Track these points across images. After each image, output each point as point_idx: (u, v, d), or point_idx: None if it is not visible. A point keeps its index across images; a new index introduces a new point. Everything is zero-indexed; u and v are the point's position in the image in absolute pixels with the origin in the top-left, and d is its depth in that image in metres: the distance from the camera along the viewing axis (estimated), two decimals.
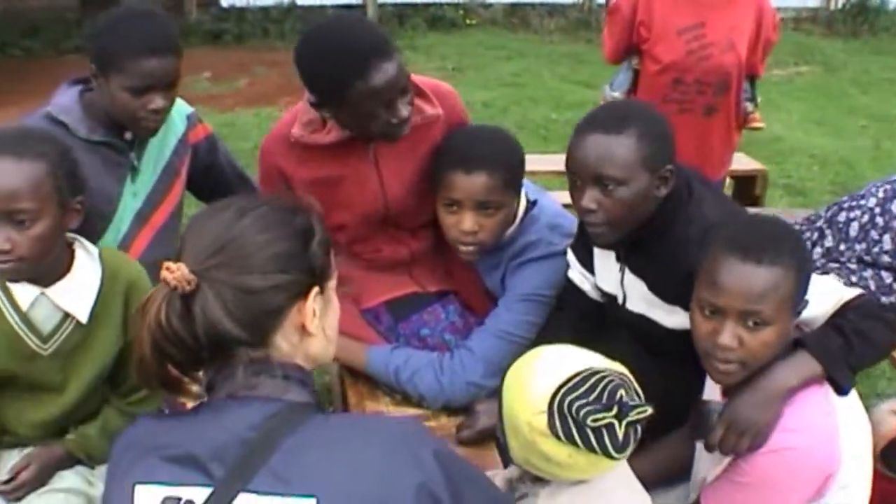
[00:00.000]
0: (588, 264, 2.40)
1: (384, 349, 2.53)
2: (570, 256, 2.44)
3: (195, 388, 1.45)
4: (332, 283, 1.53)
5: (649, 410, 1.67)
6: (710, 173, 3.73)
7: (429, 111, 2.48)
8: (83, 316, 2.10)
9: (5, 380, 2.12)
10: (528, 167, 2.52)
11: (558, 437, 1.66)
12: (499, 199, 2.42)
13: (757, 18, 3.74)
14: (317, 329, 1.47)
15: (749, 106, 3.93)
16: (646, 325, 2.27)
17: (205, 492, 1.32)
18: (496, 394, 1.85)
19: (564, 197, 2.30)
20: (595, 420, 1.63)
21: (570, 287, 2.47)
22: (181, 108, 2.73)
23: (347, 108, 2.28)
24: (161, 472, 1.36)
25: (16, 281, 2.05)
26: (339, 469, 1.31)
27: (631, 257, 2.24)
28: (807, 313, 1.96)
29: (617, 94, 3.93)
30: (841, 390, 1.93)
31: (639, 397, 1.70)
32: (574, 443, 1.66)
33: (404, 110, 2.31)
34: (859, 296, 2.03)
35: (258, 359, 1.41)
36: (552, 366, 1.73)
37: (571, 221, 2.51)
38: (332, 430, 1.37)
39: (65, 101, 2.46)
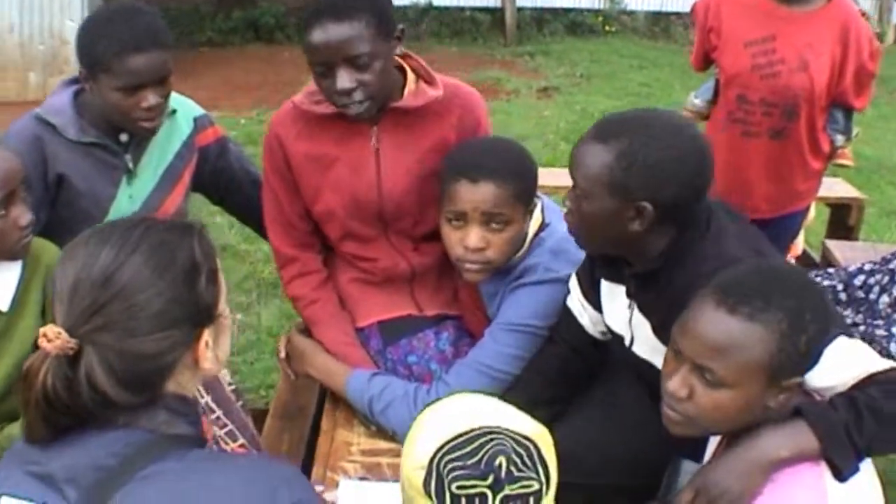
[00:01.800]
0: (593, 298, 2.17)
1: (364, 376, 2.37)
2: (574, 283, 2.22)
3: None
4: (221, 306, 1.44)
5: (535, 486, 1.45)
6: (785, 202, 3.44)
7: (430, 92, 2.36)
8: (3, 304, 2.08)
9: None
10: None
11: (430, 498, 1.47)
12: (508, 213, 2.23)
13: (842, 38, 3.20)
14: (211, 360, 1.42)
15: (839, 139, 3.43)
16: (648, 372, 2.03)
17: None
18: None
19: None
20: (461, 487, 1.44)
21: (565, 317, 2.26)
22: (188, 111, 2.66)
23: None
24: (24, 487, 1.34)
25: None
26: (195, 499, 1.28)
27: (640, 294, 2.01)
28: (823, 381, 1.70)
29: (698, 102, 3.61)
30: (839, 474, 1.63)
31: (537, 468, 1.48)
32: None
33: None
34: (892, 369, 1.73)
35: (144, 403, 1.37)
36: (447, 419, 1.53)
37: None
38: (195, 463, 1.33)
39: (57, 101, 2.42)
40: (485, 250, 2.25)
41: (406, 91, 2.36)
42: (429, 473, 1.48)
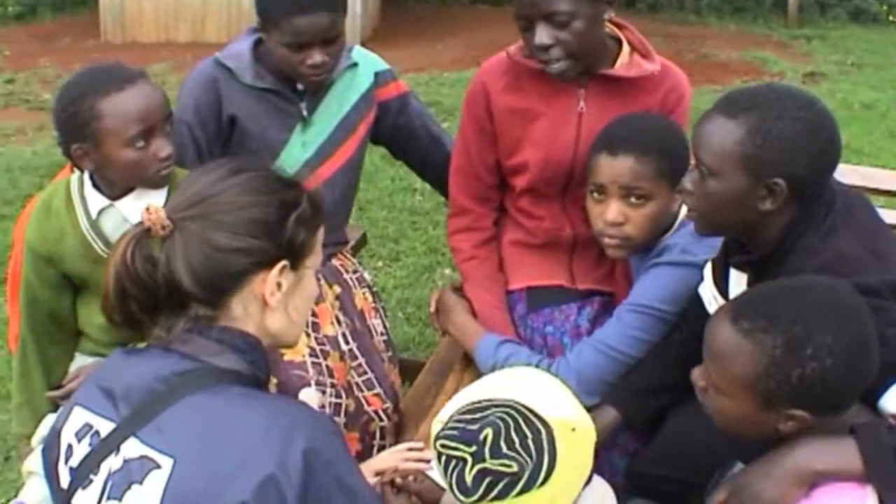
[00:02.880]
0: (723, 288, 2.06)
1: (494, 341, 2.36)
2: (708, 270, 2.11)
3: (157, 330, 1.47)
4: (309, 263, 1.51)
5: (514, 468, 1.40)
6: None
7: (646, 65, 2.37)
8: None
9: (79, 282, 2.26)
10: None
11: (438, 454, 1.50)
12: (647, 188, 2.17)
13: None
14: (278, 304, 1.47)
15: None
16: None
17: (110, 426, 1.39)
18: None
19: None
20: (444, 446, 1.42)
21: (695, 305, 2.15)
22: (371, 64, 2.72)
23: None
24: (91, 399, 1.44)
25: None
26: (209, 437, 1.32)
27: (758, 282, 1.88)
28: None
29: None
30: (883, 502, 1.50)
31: (533, 453, 1.43)
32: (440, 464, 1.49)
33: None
34: None
35: (204, 316, 1.44)
36: (487, 385, 1.52)
37: None
38: (228, 398, 1.37)
39: (237, 47, 2.55)
40: (623, 225, 2.20)
41: (619, 61, 2.36)
42: (442, 428, 1.48)
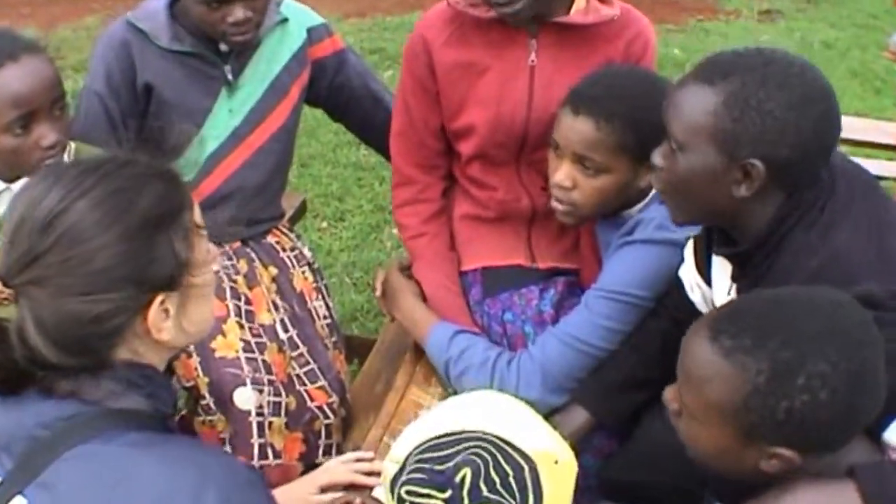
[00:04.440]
0: (705, 271, 1.84)
1: (447, 331, 2.13)
2: (689, 251, 1.88)
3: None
4: (198, 269, 1.26)
5: None
6: None
7: (605, 10, 2.12)
8: None
9: None
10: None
11: (392, 496, 1.26)
12: (601, 161, 1.93)
13: None
14: (169, 333, 1.24)
15: None
16: None
17: None
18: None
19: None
20: (410, 492, 1.20)
21: (675, 289, 1.93)
22: (304, 19, 2.45)
23: None
24: None
25: None
26: (103, 496, 1.13)
27: (742, 278, 1.67)
28: None
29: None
30: None
31: (517, 493, 1.20)
32: None
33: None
34: None
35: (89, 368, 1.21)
36: (446, 415, 1.29)
37: None
38: (125, 448, 1.17)
39: (151, 6, 2.28)
40: (570, 190, 1.98)
41: (574, 6, 2.11)
42: (400, 470, 1.26)
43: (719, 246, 1.67)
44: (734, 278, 1.68)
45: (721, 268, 1.74)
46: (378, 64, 5.82)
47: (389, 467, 1.29)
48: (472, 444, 1.23)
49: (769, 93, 1.46)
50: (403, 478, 1.23)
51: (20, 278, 1.15)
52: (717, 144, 1.50)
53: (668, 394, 1.43)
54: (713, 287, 1.80)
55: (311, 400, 2.24)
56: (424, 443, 1.26)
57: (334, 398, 2.26)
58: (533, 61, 2.13)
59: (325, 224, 4.29)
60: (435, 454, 1.23)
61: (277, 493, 1.74)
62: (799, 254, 1.51)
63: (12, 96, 1.79)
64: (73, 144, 2.01)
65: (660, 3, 7.64)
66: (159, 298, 1.20)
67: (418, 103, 2.24)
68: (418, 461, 1.23)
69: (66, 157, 1.96)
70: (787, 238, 1.53)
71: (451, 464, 1.20)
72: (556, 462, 1.25)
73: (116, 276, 1.16)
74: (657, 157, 1.62)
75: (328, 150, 4.80)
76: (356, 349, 2.97)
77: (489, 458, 1.21)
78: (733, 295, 1.69)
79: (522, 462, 1.22)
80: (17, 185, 1.92)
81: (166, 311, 1.22)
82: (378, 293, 2.38)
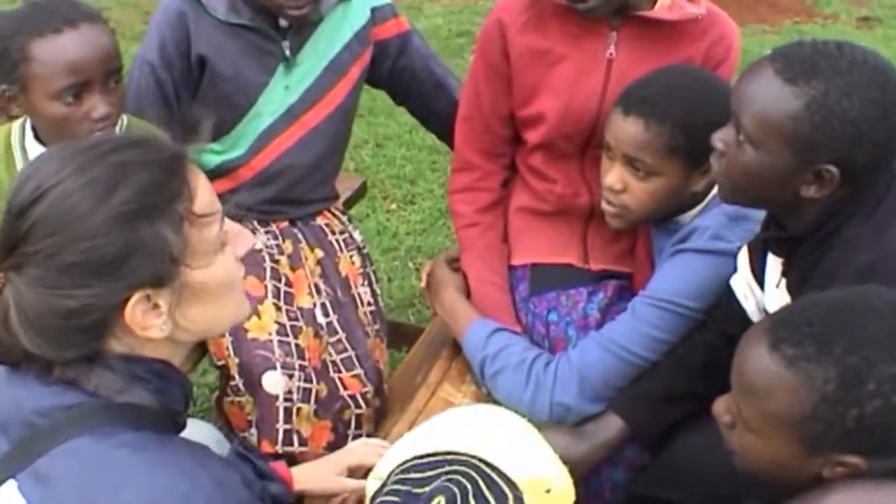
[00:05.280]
0: (760, 274, 1.74)
1: (484, 329, 2.05)
2: (742, 258, 1.78)
3: None
4: (199, 262, 1.18)
5: None
6: None
7: (690, 8, 2.04)
8: None
9: None
10: None
11: None
12: (652, 163, 1.86)
13: None
14: (162, 331, 1.17)
15: None
16: None
17: None
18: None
19: None
20: None
21: (726, 299, 1.83)
22: None
23: None
24: None
25: None
26: (87, 497, 1.09)
27: (791, 270, 1.60)
28: None
29: None
30: None
31: None
32: None
33: None
34: None
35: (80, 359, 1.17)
36: (435, 432, 1.21)
37: None
38: (116, 448, 1.12)
39: None
40: (621, 193, 1.91)
41: (659, 2, 2.02)
42: (381, 486, 1.19)
43: (771, 229, 1.61)
44: (784, 272, 1.61)
45: (773, 270, 1.66)
46: (464, 47, 5.75)
47: (371, 484, 1.22)
48: (455, 467, 1.14)
49: (853, 102, 1.41)
50: (378, 499, 1.16)
51: (5, 263, 1.12)
52: (793, 148, 1.44)
53: (720, 406, 1.38)
54: (766, 294, 1.71)
55: (344, 388, 2.18)
56: (408, 461, 1.18)
57: (369, 388, 2.20)
58: (611, 54, 2.05)
59: (394, 206, 4.25)
60: (415, 475, 1.15)
61: (301, 469, 1.71)
62: (848, 247, 1.46)
63: (67, 63, 1.76)
64: (125, 118, 1.99)
65: (759, 3, 7.41)
66: (137, 296, 1.12)
67: (489, 88, 2.17)
68: (397, 482, 1.16)
69: (117, 132, 1.95)
70: (839, 230, 1.48)
71: (428, 489, 1.13)
72: (548, 491, 1.15)
73: (87, 270, 1.10)
74: (718, 142, 1.56)
75: (404, 131, 4.75)
76: (407, 337, 2.91)
77: (469, 485, 1.12)
78: (783, 287, 1.62)
79: (507, 490, 1.13)
80: None
81: (155, 306, 1.15)
82: (423, 284, 2.32)
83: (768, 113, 1.45)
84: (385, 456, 1.24)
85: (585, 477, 1.89)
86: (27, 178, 1.13)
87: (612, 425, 1.88)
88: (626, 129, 1.85)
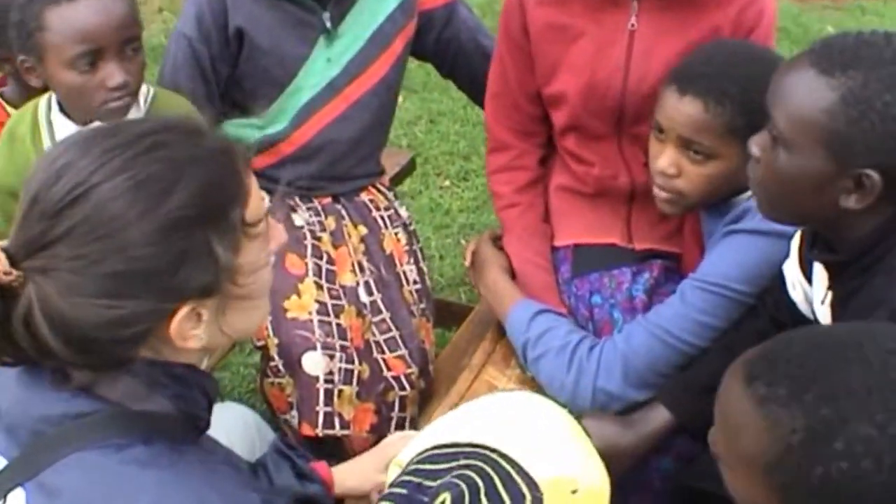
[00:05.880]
0: (808, 269, 1.63)
1: (528, 310, 1.98)
2: (795, 244, 1.68)
3: None
4: (247, 268, 1.10)
5: None
6: None
7: None
8: None
9: None
10: None
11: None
12: (710, 146, 1.74)
13: None
14: (200, 341, 1.09)
15: None
16: None
17: (1, 461, 1.10)
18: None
19: None
20: None
21: (777, 285, 1.72)
22: None
23: None
24: None
25: None
26: None
27: (838, 286, 1.48)
28: None
29: None
30: None
31: None
32: None
33: None
34: None
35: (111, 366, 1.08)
36: (464, 420, 1.13)
37: None
38: (122, 465, 1.04)
39: None
40: (675, 178, 1.79)
41: None
42: (400, 474, 1.12)
43: (818, 250, 1.48)
44: (830, 286, 1.49)
45: (820, 277, 1.54)
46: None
47: (392, 471, 1.16)
48: (469, 461, 1.06)
49: (894, 95, 1.27)
50: (386, 490, 1.09)
51: (29, 263, 1.02)
52: (828, 148, 1.31)
53: (712, 435, 1.24)
54: (813, 292, 1.60)
55: (388, 369, 2.13)
56: (427, 450, 1.11)
57: (413, 369, 2.15)
58: (633, 25, 1.93)
59: (447, 183, 4.17)
60: (429, 467, 1.07)
61: (341, 469, 1.63)
62: (893, 278, 1.33)
63: (80, 30, 1.73)
64: (151, 89, 1.95)
65: None
66: (187, 308, 1.05)
67: (514, 64, 2.08)
68: (410, 472, 1.08)
69: (141, 104, 1.90)
70: (886, 256, 1.35)
71: (436, 483, 1.05)
72: (575, 491, 1.06)
73: (136, 282, 1.01)
74: (754, 147, 1.43)
75: (458, 107, 4.66)
76: (456, 316, 2.84)
77: (481, 482, 1.03)
78: (828, 304, 1.51)
79: (526, 490, 1.03)
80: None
81: (198, 315, 1.07)
82: (468, 263, 2.24)
83: (799, 107, 1.33)
84: (411, 444, 1.17)
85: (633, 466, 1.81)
86: (61, 168, 1.03)
87: (658, 416, 1.80)
88: (682, 110, 1.74)
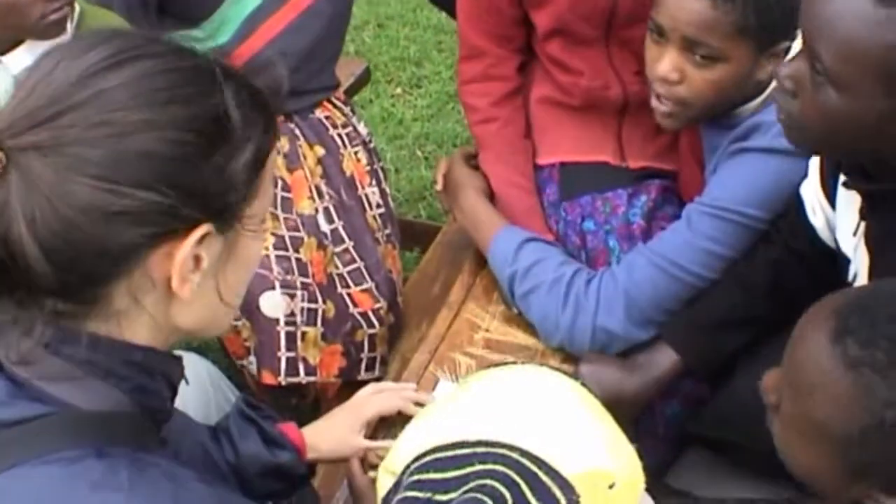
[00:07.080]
0: (831, 192, 1.46)
1: (514, 239, 1.80)
2: (815, 164, 1.51)
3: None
4: (253, 212, 0.94)
5: None
6: None
7: None
8: None
9: None
10: None
11: None
12: (717, 47, 1.55)
13: None
14: (195, 294, 0.91)
15: None
16: None
17: None
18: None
19: None
20: None
21: (794, 209, 1.57)
22: None
23: None
24: None
25: None
26: None
27: (876, 217, 1.32)
28: None
29: None
30: None
31: None
32: None
33: None
34: None
35: (66, 313, 0.88)
36: (461, 412, 0.94)
37: None
38: (70, 483, 0.85)
39: None
40: (676, 85, 1.60)
41: None
42: (395, 485, 0.92)
43: (851, 178, 1.31)
44: (863, 215, 1.32)
45: (849, 195, 1.37)
46: None
47: (383, 480, 0.96)
48: (487, 466, 0.86)
49: None
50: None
51: (26, 137, 0.82)
52: (891, 90, 1.12)
53: (769, 381, 1.10)
54: (838, 218, 1.44)
55: (354, 305, 1.94)
56: (427, 453, 0.90)
57: (382, 303, 1.96)
58: None
59: (399, 90, 3.95)
60: (438, 475, 0.87)
61: (313, 430, 1.48)
62: None
63: None
64: (77, 7, 1.71)
65: None
66: (203, 229, 0.87)
67: None
68: (413, 484, 0.88)
69: (69, 24, 1.66)
70: None
71: (451, 493, 0.85)
72: (612, 485, 0.88)
73: (158, 168, 0.84)
74: (787, 79, 1.23)
75: (408, 10, 4.41)
76: (418, 236, 2.67)
77: (508, 493, 0.83)
78: (860, 237, 1.35)
79: (559, 492, 0.84)
80: (10, 58, 1.65)
81: (197, 259, 0.89)
82: (439, 187, 2.04)
83: (856, 43, 1.13)
84: (397, 444, 0.97)
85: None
86: (69, 58, 0.87)
87: (664, 358, 1.65)
88: (686, 7, 1.54)
